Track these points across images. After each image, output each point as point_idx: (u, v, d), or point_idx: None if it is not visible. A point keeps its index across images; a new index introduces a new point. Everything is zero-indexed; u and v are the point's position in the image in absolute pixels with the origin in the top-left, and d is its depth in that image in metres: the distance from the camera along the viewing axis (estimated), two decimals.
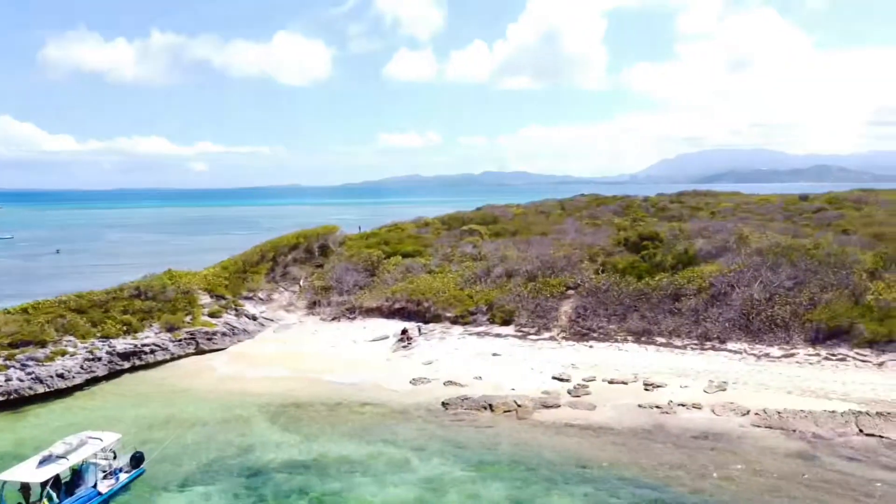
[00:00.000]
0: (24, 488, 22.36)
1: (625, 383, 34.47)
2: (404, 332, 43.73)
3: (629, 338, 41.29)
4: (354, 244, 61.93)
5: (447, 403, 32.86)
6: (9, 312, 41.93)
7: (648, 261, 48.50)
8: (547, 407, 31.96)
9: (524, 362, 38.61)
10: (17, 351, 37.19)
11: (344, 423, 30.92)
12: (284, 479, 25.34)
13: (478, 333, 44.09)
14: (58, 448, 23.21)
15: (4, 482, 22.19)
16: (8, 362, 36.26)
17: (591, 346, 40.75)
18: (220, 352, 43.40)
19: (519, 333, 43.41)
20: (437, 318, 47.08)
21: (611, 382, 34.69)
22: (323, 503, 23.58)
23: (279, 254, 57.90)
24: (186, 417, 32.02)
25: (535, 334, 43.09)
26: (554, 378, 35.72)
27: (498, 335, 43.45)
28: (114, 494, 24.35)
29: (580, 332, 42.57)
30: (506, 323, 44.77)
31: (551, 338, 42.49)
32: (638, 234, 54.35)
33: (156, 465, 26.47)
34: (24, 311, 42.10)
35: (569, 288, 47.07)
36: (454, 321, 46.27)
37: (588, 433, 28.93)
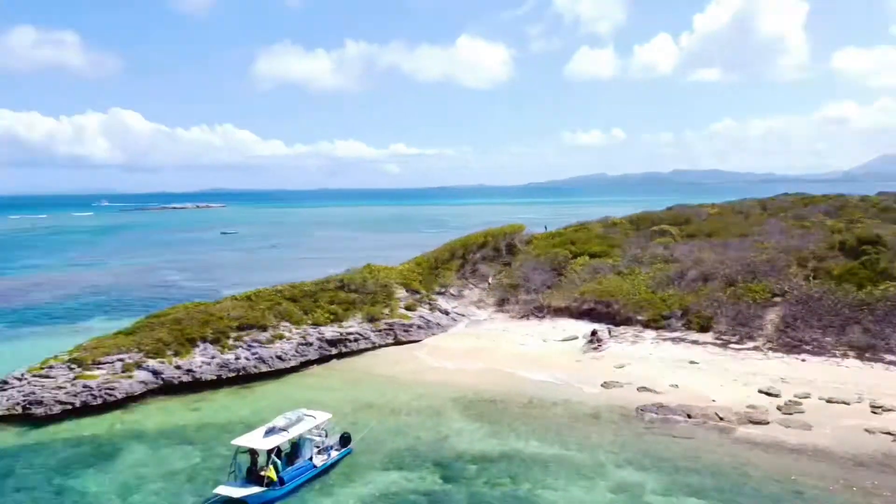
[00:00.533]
0: (252, 453, 25.07)
1: (846, 403, 31.21)
2: (594, 333, 43.08)
3: (850, 353, 37.35)
4: (540, 243, 62.06)
5: (642, 409, 31.92)
6: (235, 299, 47.14)
7: (870, 267, 43.55)
8: (753, 422, 29.85)
9: (726, 373, 36.42)
10: (243, 333, 41.78)
11: (536, 421, 31.15)
12: (476, 472, 26.05)
13: (672, 339, 42.30)
14: (280, 421, 25.79)
15: (238, 447, 25.06)
16: (236, 343, 40.87)
17: (803, 360, 37.43)
18: (415, 343, 45.59)
19: (719, 342, 41.00)
20: (627, 322, 45.86)
21: (829, 401, 31.59)
22: (515, 499, 23.89)
23: (468, 251, 59.56)
24: (387, 404, 34.06)
25: (736, 343, 40.45)
26: (761, 392, 33.28)
27: (695, 342, 41.38)
28: (326, 469, 26.50)
29: (789, 343, 39.25)
30: (703, 330, 42.47)
31: (756, 348, 39.65)
32: (856, 238, 48.95)
33: (360, 446, 28.46)
34: (248, 298, 47.08)
35: (774, 295, 43.59)
36: (646, 325, 44.76)
37: (803, 456, 26.54)
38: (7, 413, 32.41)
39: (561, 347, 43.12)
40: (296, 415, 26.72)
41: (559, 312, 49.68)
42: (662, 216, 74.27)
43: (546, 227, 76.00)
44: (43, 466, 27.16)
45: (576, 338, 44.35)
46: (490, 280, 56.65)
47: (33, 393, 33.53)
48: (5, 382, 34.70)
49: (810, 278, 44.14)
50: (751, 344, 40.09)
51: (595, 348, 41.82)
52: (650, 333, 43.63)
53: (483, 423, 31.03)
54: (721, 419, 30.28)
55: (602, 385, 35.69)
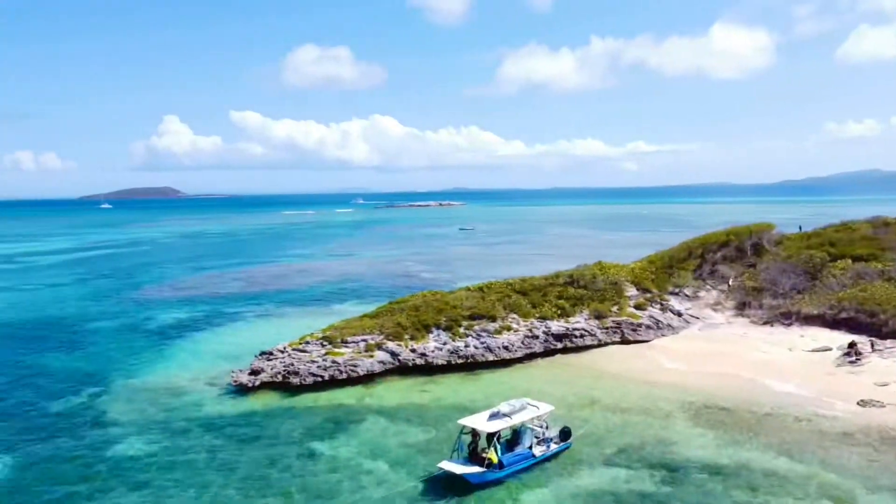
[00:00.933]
0: (474, 435, 26.19)
1: None
2: (852, 345, 38.22)
3: None
4: (793, 244, 56.37)
5: None
6: (469, 290, 49.38)
7: None
8: None
9: None
10: (474, 322, 43.65)
11: (773, 435, 28.53)
12: (703, 481, 24.60)
13: None
14: (504, 408, 26.60)
15: (463, 427, 26.36)
16: (467, 332, 42.84)
17: None
18: (643, 343, 44.10)
19: None
20: (895, 335, 39.96)
21: None
22: None
23: (707, 251, 56.02)
24: (610, 402, 33.45)
25: None
26: None
27: None
28: (545, 460, 26.80)
29: None
30: None
31: None
32: None
33: (580, 441, 28.31)
34: (480, 289, 49.07)
35: None
36: None
37: None
38: (270, 380, 37.33)
39: (810, 358, 38.92)
40: (520, 403, 27.38)
41: (810, 320, 44.81)
42: None
43: (801, 228, 68.74)
44: (298, 430, 30.86)
45: (829, 349, 39.72)
46: (730, 282, 52.78)
47: (292, 364, 38.24)
48: (272, 354, 40.04)
49: None
50: None
51: (852, 362, 37.12)
52: None
53: (715, 431, 29.17)
54: None
55: (858, 403, 31.60)
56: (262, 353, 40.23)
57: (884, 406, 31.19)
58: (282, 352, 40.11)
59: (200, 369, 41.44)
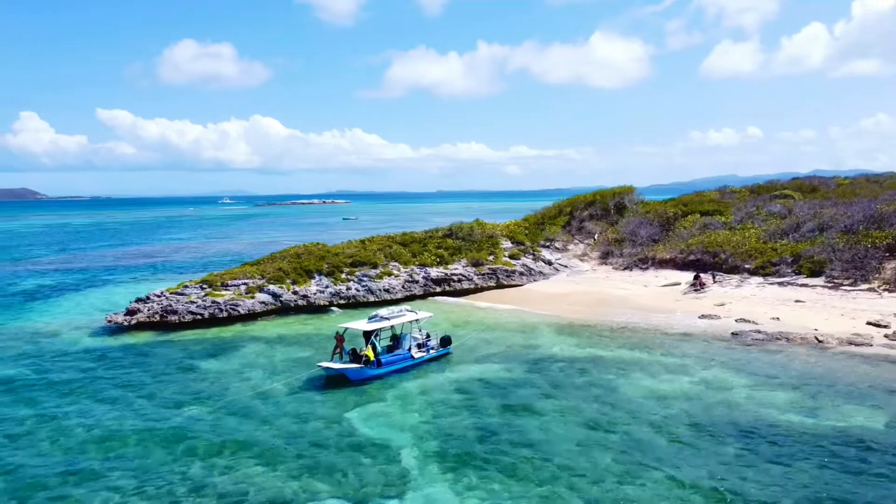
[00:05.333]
0: (339, 341, 27.61)
1: None
2: (696, 277, 42.66)
3: None
4: (650, 205, 61.46)
5: (736, 333, 31.70)
6: (350, 243, 50.49)
7: None
8: (856, 344, 28.97)
9: (833, 309, 35.19)
10: (356, 269, 44.80)
11: (625, 339, 31.77)
12: (565, 366, 27.18)
13: (780, 283, 41.16)
14: (382, 311, 28.18)
15: (346, 328, 27.67)
16: (349, 277, 43.92)
17: None
18: (517, 287, 46.94)
19: (829, 284, 39.49)
20: (734, 270, 44.93)
21: None
22: (598, 384, 24.81)
23: (576, 209, 60.06)
24: (486, 324, 35.78)
25: (849, 285, 38.82)
26: (869, 323, 32.04)
27: (804, 285, 40.07)
28: (424, 362, 28.47)
29: None
30: (814, 274, 41.00)
31: (870, 289, 37.88)
32: None
33: (458, 350, 30.25)
34: (362, 242, 50.30)
35: None
36: (753, 272, 43.72)
37: None
38: (147, 320, 36.83)
39: (662, 291, 43.06)
40: (398, 309, 28.98)
41: (664, 264, 49.36)
42: (787, 185, 71.11)
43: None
44: (173, 355, 30.82)
45: (678, 284, 44.08)
46: (596, 236, 56.95)
47: (170, 305, 37.89)
48: (147, 298, 39.37)
49: None
50: (865, 286, 38.35)
51: (697, 290, 41.46)
52: (757, 279, 42.64)
53: (576, 338, 32.07)
54: (820, 341, 29.59)
55: (699, 317, 35.57)
56: (139, 300, 39.49)
57: (720, 318, 35.29)
58: (158, 296, 39.53)
59: (73, 318, 40.10)
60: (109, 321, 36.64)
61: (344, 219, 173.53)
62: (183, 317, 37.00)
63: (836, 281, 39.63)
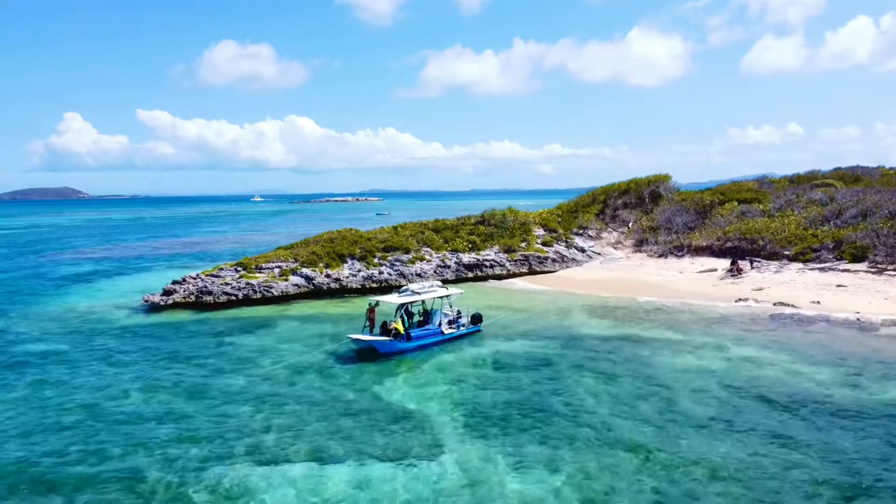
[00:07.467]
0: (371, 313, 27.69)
1: None
2: (734, 262, 41.82)
3: None
4: (687, 193, 60.47)
5: (775, 315, 30.97)
6: (383, 229, 50.67)
7: None
8: None
9: (877, 293, 34.19)
10: (388, 254, 44.91)
11: (660, 320, 31.29)
12: (599, 343, 26.88)
13: (820, 268, 40.12)
14: (414, 286, 28.17)
15: (377, 302, 27.76)
16: (381, 261, 44.05)
17: None
18: (549, 274, 46.56)
19: (873, 269, 38.37)
20: (773, 257, 43.93)
21: None
22: (634, 359, 24.45)
23: (609, 197, 59.34)
24: (518, 306, 35.58)
25: (894, 270, 37.64)
26: None
27: (846, 270, 38.99)
28: (454, 339, 28.39)
29: None
30: (857, 260, 39.86)
31: None
32: None
33: (490, 328, 30.13)
34: (394, 228, 50.43)
35: None
36: (793, 258, 42.69)
37: None
38: (183, 300, 37.40)
39: (698, 276, 42.30)
40: (429, 284, 29.00)
41: (700, 251, 48.47)
42: (829, 175, 69.34)
43: None
44: (210, 331, 31.28)
45: (715, 270, 43.26)
46: (630, 224, 56.22)
47: (205, 286, 38.41)
48: (183, 280, 40.00)
49: None
50: None
51: (733, 276, 40.64)
52: (796, 265, 41.62)
53: (608, 320, 31.69)
54: (863, 323, 28.74)
55: (736, 301, 34.88)
56: (175, 281, 40.13)
57: (758, 302, 34.56)
58: (194, 278, 40.14)
59: (111, 299, 40.93)
60: (146, 300, 37.30)
61: (377, 214, 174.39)
62: (218, 297, 37.48)
63: (879, 266, 38.47)
